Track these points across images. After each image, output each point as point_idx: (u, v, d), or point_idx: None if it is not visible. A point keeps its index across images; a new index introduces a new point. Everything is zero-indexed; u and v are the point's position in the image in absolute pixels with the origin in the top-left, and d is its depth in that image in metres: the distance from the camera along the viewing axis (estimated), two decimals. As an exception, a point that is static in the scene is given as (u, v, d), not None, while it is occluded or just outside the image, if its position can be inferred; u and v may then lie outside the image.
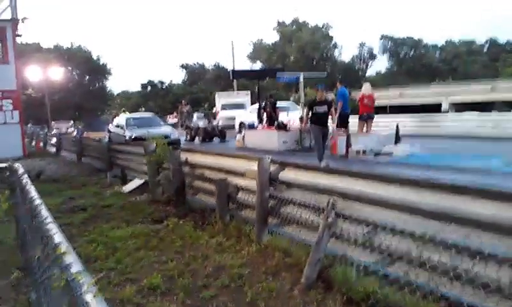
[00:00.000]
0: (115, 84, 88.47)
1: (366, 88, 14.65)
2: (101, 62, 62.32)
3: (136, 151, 9.98)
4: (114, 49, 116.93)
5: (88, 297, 1.39)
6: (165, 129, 17.82)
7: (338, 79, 15.45)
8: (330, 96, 14.08)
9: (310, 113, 11.22)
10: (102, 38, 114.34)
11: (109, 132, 20.22)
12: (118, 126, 19.26)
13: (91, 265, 4.99)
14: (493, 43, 66.94)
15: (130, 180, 10.08)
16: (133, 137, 15.89)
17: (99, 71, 62.07)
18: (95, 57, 61.88)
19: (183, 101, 23.36)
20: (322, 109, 11.08)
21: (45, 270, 2.37)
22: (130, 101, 62.47)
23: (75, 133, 31.23)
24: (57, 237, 2.21)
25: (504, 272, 2.97)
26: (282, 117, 17.86)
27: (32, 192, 2.95)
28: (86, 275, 1.60)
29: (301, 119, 15.10)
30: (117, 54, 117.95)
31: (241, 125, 22.06)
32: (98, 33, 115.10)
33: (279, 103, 19.53)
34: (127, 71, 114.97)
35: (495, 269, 3.03)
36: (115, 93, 67.14)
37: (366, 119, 14.30)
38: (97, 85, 63.55)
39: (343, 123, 13.69)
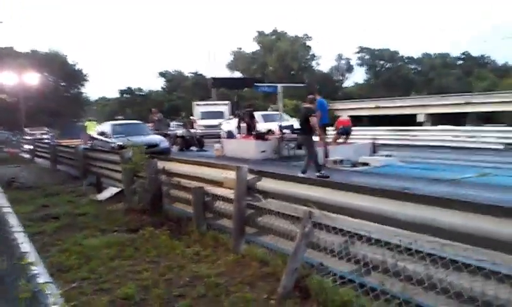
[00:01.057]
0: (93, 91, 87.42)
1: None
2: (77, 68, 61.43)
3: (112, 158, 9.84)
4: (92, 55, 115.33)
5: (55, 309, 1.34)
6: (154, 137, 17.11)
7: (317, 90, 15.54)
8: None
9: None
10: (80, 44, 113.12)
11: (92, 139, 19.27)
12: (102, 133, 18.28)
13: (63, 275, 4.88)
14: (467, 57, 68.81)
15: (106, 188, 9.92)
16: (119, 146, 14.83)
17: (75, 77, 61.15)
18: (70, 63, 61.00)
19: (153, 109, 22.99)
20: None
21: (12, 281, 2.29)
22: (107, 108, 61.74)
23: (46, 139, 30.72)
24: (25, 246, 2.14)
25: (477, 282, 3.01)
26: (261, 126, 17.96)
27: (1, 199, 2.87)
28: (54, 287, 1.55)
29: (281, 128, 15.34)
30: (95, 60, 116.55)
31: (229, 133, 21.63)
32: (75, 39, 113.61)
33: (269, 112, 19.53)
34: (105, 77, 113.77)
35: (468, 279, 3.07)
36: (92, 100, 66.25)
37: (342, 133, 14.68)
38: (73, 91, 62.55)
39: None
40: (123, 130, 17.34)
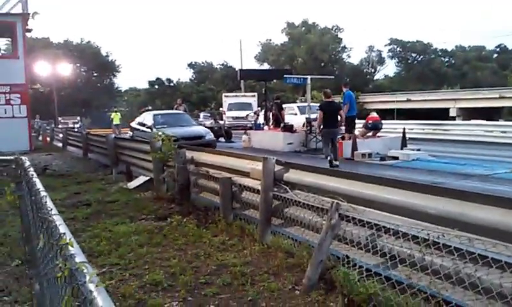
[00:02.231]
0: (123, 81, 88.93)
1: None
2: (110, 59, 62.46)
3: (142, 148, 10.01)
4: (123, 46, 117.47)
5: (91, 286, 1.40)
6: (198, 129, 16.30)
7: (344, 82, 15.39)
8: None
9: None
10: (111, 35, 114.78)
11: (132, 129, 18.25)
12: (143, 124, 17.05)
13: (93, 260, 5.03)
14: (503, 49, 66.61)
15: (136, 177, 10.12)
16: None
17: (108, 67, 62.18)
18: (104, 54, 62.05)
19: (178, 100, 22.93)
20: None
21: (48, 262, 2.39)
22: (138, 98, 62.58)
23: (76, 128, 31.56)
24: (62, 228, 2.22)
25: (507, 278, 2.96)
26: (298, 118, 17.91)
27: (38, 184, 2.97)
28: (89, 266, 1.62)
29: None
30: (126, 50, 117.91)
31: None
32: (107, 29, 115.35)
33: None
34: (135, 68, 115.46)
35: (497, 275, 3.01)
36: (123, 90, 67.27)
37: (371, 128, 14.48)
38: (105, 81, 63.69)
39: (349, 126, 13.68)
40: (165, 120, 16.41)
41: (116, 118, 31.21)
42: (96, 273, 1.57)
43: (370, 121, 15.23)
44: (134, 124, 18.41)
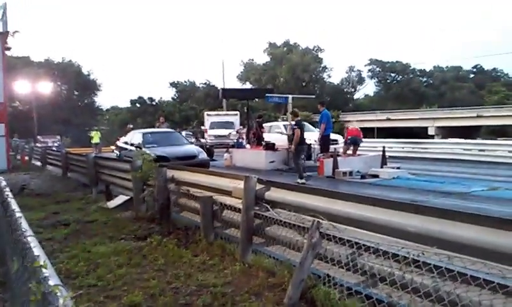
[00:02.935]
0: (104, 100, 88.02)
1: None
2: (91, 78, 62.10)
3: (122, 167, 9.91)
4: (104, 64, 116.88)
5: (65, 310, 1.37)
6: (191, 148, 15.29)
7: (320, 102, 15.60)
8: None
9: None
10: (93, 53, 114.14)
11: (120, 149, 17.07)
12: (131, 143, 15.90)
13: (71, 281, 4.93)
14: (479, 70, 68.43)
15: (116, 196, 9.99)
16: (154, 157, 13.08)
17: (89, 86, 61.76)
18: (85, 72, 61.70)
19: (160, 117, 22.71)
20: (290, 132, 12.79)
21: (22, 284, 2.33)
22: (119, 117, 62.13)
23: (55, 147, 31.10)
24: (36, 250, 2.17)
25: (486, 295, 2.98)
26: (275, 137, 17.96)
27: (13, 205, 2.91)
28: (64, 289, 1.58)
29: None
30: (107, 69, 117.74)
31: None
32: (89, 48, 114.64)
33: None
34: (116, 87, 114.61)
35: (476, 292, 3.04)
36: (104, 109, 66.77)
37: (351, 143, 14.64)
38: (86, 100, 63.19)
39: (325, 145, 13.91)
40: (155, 139, 15.36)
41: (95, 136, 30.93)
42: (70, 296, 1.54)
43: (349, 137, 15.42)
44: (121, 143, 17.40)
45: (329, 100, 49.71)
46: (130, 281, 4.95)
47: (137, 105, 61.69)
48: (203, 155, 14.66)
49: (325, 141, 13.89)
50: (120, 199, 9.54)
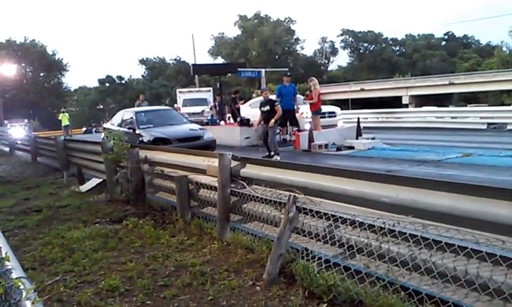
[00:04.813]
0: (72, 80, 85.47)
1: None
2: (57, 58, 60.28)
3: (93, 149, 9.69)
4: (70, 43, 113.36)
5: (28, 304, 1.30)
6: (193, 128, 13.23)
7: (285, 75, 15.31)
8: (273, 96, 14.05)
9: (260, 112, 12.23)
10: (57, 32, 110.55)
11: (108, 131, 13.58)
12: (121, 123, 13.64)
13: (46, 268, 4.85)
14: (450, 37, 69.24)
15: (88, 179, 9.80)
16: (153, 140, 11.43)
17: (55, 67, 59.99)
18: (50, 52, 59.78)
19: (140, 95, 22.14)
20: (266, 108, 12.08)
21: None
22: (88, 97, 60.90)
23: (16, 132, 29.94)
24: (-1, 242, 2.07)
25: (460, 261, 3.03)
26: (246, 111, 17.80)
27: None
28: (27, 281, 1.50)
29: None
30: (74, 48, 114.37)
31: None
32: (52, 27, 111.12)
33: (325, 108, 17.20)
34: (84, 66, 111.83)
35: (451, 259, 3.08)
36: (72, 89, 65.15)
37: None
38: (53, 81, 61.44)
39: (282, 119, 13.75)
40: (150, 118, 13.45)
41: (64, 119, 30.07)
42: (33, 288, 1.47)
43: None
44: (109, 125, 15.14)
45: (303, 72, 49.77)
46: (107, 265, 4.87)
47: (106, 84, 60.46)
48: (208, 135, 12.70)
49: (285, 115, 13.81)
50: (92, 182, 9.36)
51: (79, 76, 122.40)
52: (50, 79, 61.21)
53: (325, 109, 17.25)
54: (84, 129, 38.13)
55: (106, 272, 4.66)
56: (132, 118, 13.28)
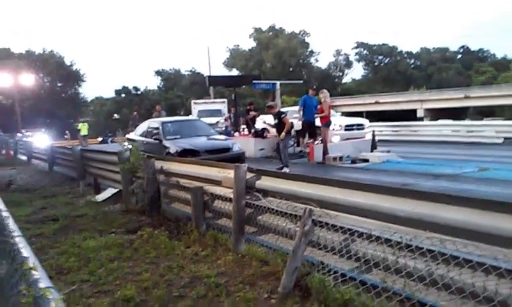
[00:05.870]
0: (88, 90, 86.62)
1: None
2: (74, 68, 61.16)
3: (110, 159, 9.80)
4: (87, 54, 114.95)
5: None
6: (222, 139, 13.07)
7: (311, 87, 15.39)
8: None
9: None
10: (75, 44, 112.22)
11: (132, 142, 13.29)
12: (147, 134, 13.42)
13: (63, 277, 4.88)
14: (466, 50, 68.82)
15: (104, 189, 9.89)
16: (181, 151, 11.19)
17: (72, 77, 60.87)
18: (68, 63, 60.72)
19: (157, 106, 22.43)
20: (275, 121, 12.47)
21: (12, 287, 2.27)
22: (104, 108, 61.55)
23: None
24: (25, 251, 2.11)
25: (479, 277, 2.99)
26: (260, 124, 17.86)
27: (0, 204, 2.84)
28: (55, 291, 1.53)
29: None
30: (91, 59, 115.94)
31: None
32: (71, 38, 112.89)
33: (352, 121, 17.76)
34: (100, 77, 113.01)
35: (469, 275, 3.05)
36: (89, 100, 65.96)
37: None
38: (70, 92, 62.31)
39: (305, 131, 14.04)
40: (177, 129, 13.05)
41: (83, 128, 30.56)
42: (62, 298, 1.49)
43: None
44: (134, 136, 14.70)
45: (317, 84, 49.71)
46: (123, 275, 4.90)
47: (122, 95, 61.11)
48: (237, 147, 12.27)
49: (305, 127, 13.93)
50: (108, 192, 9.45)
51: (96, 86, 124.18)
52: (67, 89, 62.10)
53: (354, 121, 17.32)
54: (99, 139, 38.52)
55: (122, 282, 4.69)
56: (158, 128, 12.92)
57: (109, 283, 4.69)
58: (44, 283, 1.64)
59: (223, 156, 10.48)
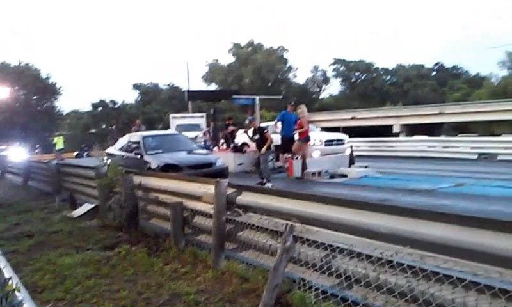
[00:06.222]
0: (65, 103, 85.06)
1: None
2: (50, 81, 60.17)
3: (87, 174, 9.64)
4: (64, 67, 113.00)
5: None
6: (205, 154, 12.93)
7: (290, 103, 15.53)
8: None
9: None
10: (51, 56, 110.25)
11: (111, 156, 13.26)
12: (127, 148, 13.05)
13: (37, 296, 4.73)
14: (440, 67, 70.69)
15: (80, 205, 9.71)
16: (162, 166, 10.89)
17: (48, 90, 59.87)
18: (44, 76, 59.72)
19: (137, 120, 22.27)
20: (256, 136, 12.53)
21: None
22: (81, 121, 60.69)
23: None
24: (6, 272, 2.04)
25: (459, 293, 3.02)
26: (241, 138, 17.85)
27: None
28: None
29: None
30: (67, 72, 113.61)
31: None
32: (47, 50, 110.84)
33: (332, 136, 17.84)
34: (77, 90, 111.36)
35: (450, 291, 3.07)
36: (65, 113, 64.87)
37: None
38: (46, 105, 61.24)
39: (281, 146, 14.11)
40: (159, 143, 12.73)
41: (59, 142, 29.95)
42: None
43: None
44: (113, 150, 14.30)
45: (296, 100, 50.14)
46: (100, 292, 4.78)
47: (100, 108, 60.36)
48: (221, 162, 12.10)
49: (284, 142, 13.99)
50: (85, 208, 9.27)
51: (72, 100, 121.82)
52: (43, 102, 61.00)
53: (334, 136, 17.49)
54: (75, 153, 37.84)
55: (99, 300, 4.57)
56: (138, 142, 12.61)
57: (86, 300, 4.58)
58: (28, 304, 1.59)
59: (205, 171, 10.29)
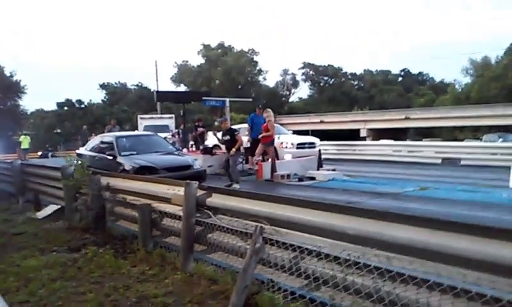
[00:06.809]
0: (29, 102, 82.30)
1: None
2: (14, 79, 58.29)
3: (52, 174, 9.40)
4: (29, 65, 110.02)
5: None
6: (182, 156, 12.66)
7: (258, 106, 15.80)
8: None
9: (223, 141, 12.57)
10: (14, 53, 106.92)
11: (82, 157, 12.32)
12: (100, 149, 12.62)
13: None
14: (407, 73, 72.52)
15: (45, 206, 9.47)
16: (138, 168, 10.51)
17: (12, 88, 57.98)
18: (7, 74, 57.76)
19: (112, 120, 21.96)
20: (226, 137, 12.37)
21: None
22: (45, 121, 59.03)
23: None
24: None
25: (423, 293, 3.11)
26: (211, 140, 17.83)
27: None
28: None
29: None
30: (32, 70, 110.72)
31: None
32: (10, 47, 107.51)
33: (304, 139, 17.98)
34: (41, 88, 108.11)
35: (414, 291, 3.16)
36: (29, 112, 62.92)
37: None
38: (9, 103, 59.26)
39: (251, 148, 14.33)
40: (133, 144, 12.33)
41: (25, 141, 29.13)
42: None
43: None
44: (83, 150, 13.83)
45: (265, 102, 50.36)
46: (66, 295, 4.69)
47: (65, 108, 58.89)
48: (198, 164, 11.91)
49: (253, 145, 14.17)
50: (50, 209, 9.05)
51: (37, 99, 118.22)
52: (6, 101, 59.00)
53: (305, 139, 17.69)
54: (39, 153, 36.82)
55: (65, 303, 4.49)
56: (112, 143, 12.12)
57: (51, 303, 4.49)
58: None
59: (183, 174, 9.85)
